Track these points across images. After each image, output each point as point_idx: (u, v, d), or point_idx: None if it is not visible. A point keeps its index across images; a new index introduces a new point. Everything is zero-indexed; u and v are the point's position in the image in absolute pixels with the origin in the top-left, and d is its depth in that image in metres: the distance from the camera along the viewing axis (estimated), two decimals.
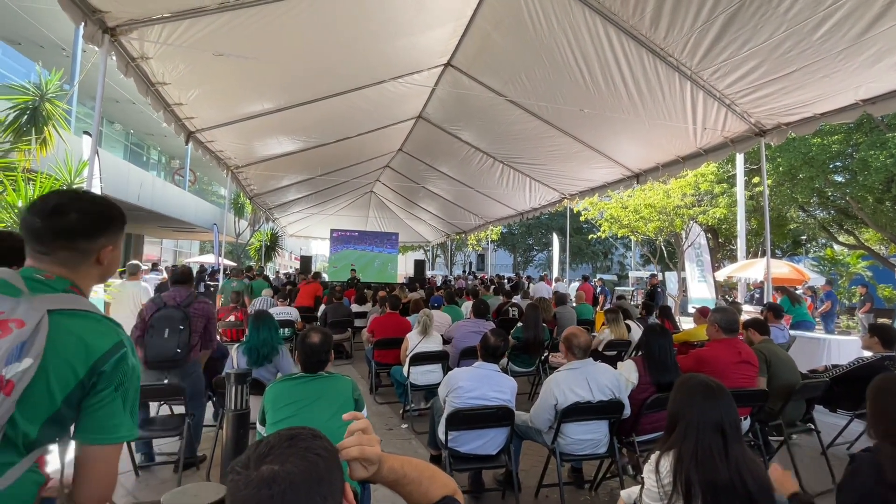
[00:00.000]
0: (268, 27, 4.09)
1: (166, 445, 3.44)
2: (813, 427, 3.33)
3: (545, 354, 4.91)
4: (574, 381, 2.64)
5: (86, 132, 5.45)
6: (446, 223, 15.71)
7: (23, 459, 0.92)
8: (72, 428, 1.00)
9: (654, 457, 1.56)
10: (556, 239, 16.31)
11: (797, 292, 8.44)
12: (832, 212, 14.57)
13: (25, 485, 0.92)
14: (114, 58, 3.81)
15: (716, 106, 5.00)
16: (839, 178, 13.06)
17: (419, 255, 25.11)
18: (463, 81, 6.26)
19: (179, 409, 3.61)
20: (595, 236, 16.30)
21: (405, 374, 4.21)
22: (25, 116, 5.02)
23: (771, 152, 11.54)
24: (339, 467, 0.67)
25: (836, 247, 17.24)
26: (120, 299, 4.78)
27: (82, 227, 1.06)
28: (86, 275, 1.10)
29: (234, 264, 13.89)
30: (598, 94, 5.34)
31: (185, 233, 21.54)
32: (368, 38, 4.99)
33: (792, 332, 5.73)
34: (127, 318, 4.88)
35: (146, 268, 10.31)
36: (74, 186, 4.24)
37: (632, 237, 16.26)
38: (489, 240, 18.18)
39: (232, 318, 5.85)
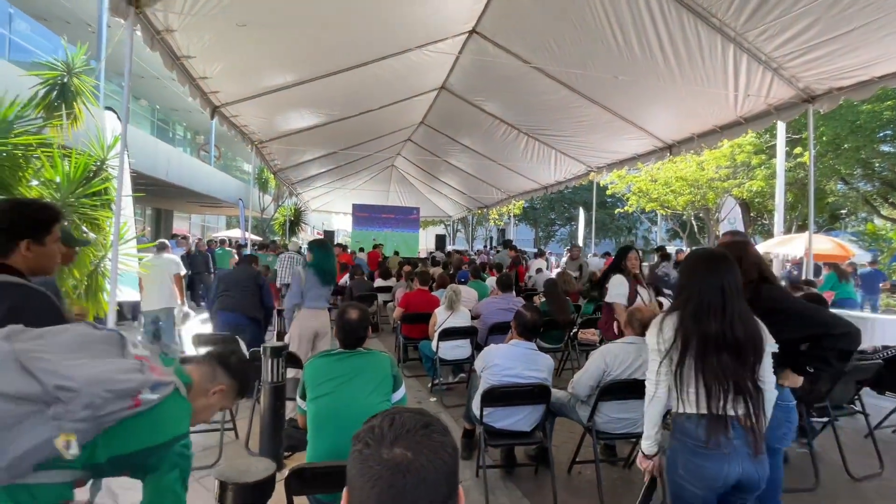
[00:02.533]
0: None
1: None
2: (860, 409, 3.21)
3: (574, 330, 4.85)
4: (628, 354, 2.63)
5: (108, 108, 5.49)
6: (468, 197, 15.55)
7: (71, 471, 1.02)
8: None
9: (657, 319, 1.71)
10: (582, 213, 15.99)
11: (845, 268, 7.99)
12: (877, 184, 13.77)
13: (52, 490, 1.01)
14: (139, 32, 3.78)
15: (760, 70, 4.67)
16: (887, 149, 12.27)
17: (440, 229, 25.06)
18: (488, 49, 6.03)
19: None
20: (621, 210, 15.90)
21: (434, 348, 4.22)
22: (55, 92, 5.07)
23: (815, 121, 10.88)
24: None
25: (877, 221, 16.40)
26: (153, 273, 4.96)
27: (230, 366, 1.42)
28: (205, 405, 1.35)
29: (260, 239, 14.13)
30: (632, 60, 5.05)
31: (212, 208, 21.99)
32: (392, 4, 4.82)
33: (834, 311, 5.50)
34: (160, 292, 5.00)
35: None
36: (107, 162, 4.30)
37: (660, 211, 15.80)
38: (511, 214, 17.94)
39: None
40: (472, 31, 5.89)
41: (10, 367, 0.92)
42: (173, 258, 5.34)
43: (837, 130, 11.03)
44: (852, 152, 11.40)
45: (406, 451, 0.59)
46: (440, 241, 17.77)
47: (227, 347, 1.43)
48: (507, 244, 10.66)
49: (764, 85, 4.89)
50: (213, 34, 4.31)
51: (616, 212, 17.73)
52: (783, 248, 8.81)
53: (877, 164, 12.41)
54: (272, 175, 11.74)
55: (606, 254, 13.82)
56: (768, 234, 14.03)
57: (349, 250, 13.13)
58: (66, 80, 4.84)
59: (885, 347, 3.45)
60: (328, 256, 4.07)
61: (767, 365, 1.61)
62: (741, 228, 11.63)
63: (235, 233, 18.68)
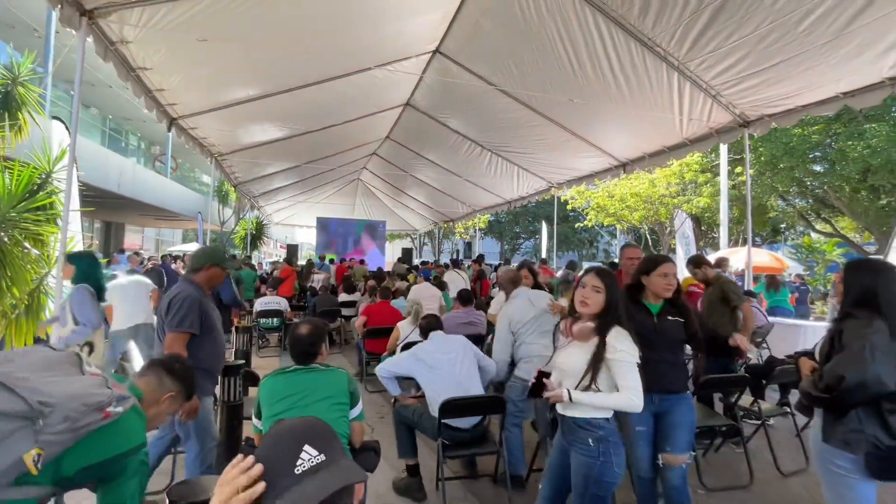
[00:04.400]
0: (252, 11, 3.98)
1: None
2: (789, 410, 3.48)
3: None
4: (523, 306, 3.04)
5: (56, 118, 5.23)
6: (434, 211, 15.68)
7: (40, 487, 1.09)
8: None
9: (621, 333, 1.83)
10: (544, 227, 16.45)
11: (781, 279, 8.63)
12: (810, 201, 14.94)
13: None
14: (91, 41, 3.68)
15: (702, 97, 5.04)
16: (818, 168, 13.38)
17: (406, 243, 25.04)
18: (451, 69, 6.20)
19: None
20: (582, 224, 16.45)
21: None
22: None
23: (753, 142, 11.75)
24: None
25: (813, 235, 17.71)
26: (126, 292, 4.30)
27: (175, 371, 1.53)
28: (151, 402, 1.42)
29: None
30: (587, 84, 5.34)
31: (168, 221, 21.11)
32: (356, 23, 4.91)
33: (770, 319, 5.93)
34: (133, 309, 4.33)
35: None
36: (53, 175, 4.11)
37: (617, 225, 16.47)
38: (477, 228, 18.21)
39: None
40: (436, 51, 6.05)
41: None
42: (146, 280, 4.77)
43: (774, 151, 11.95)
44: (787, 171, 12.36)
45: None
46: (407, 254, 17.75)
47: (170, 357, 1.56)
48: (479, 259, 10.80)
49: (705, 110, 5.27)
50: (171, 47, 4.25)
51: (577, 226, 18.36)
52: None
53: (809, 183, 13.48)
54: (233, 188, 11.46)
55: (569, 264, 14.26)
56: (718, 246, 14.87)
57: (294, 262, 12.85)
58: (10, 89, 4.62)
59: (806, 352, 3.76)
60: (97, 267, 3.39)
61: None
62: (693, 242, 12.30)
63: (193, 247, 17.99)
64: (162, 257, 12.77)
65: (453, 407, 2.55)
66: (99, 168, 11.93)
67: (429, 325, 3.12)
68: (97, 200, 12.15)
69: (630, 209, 13.78)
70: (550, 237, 16.49)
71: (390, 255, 21.05)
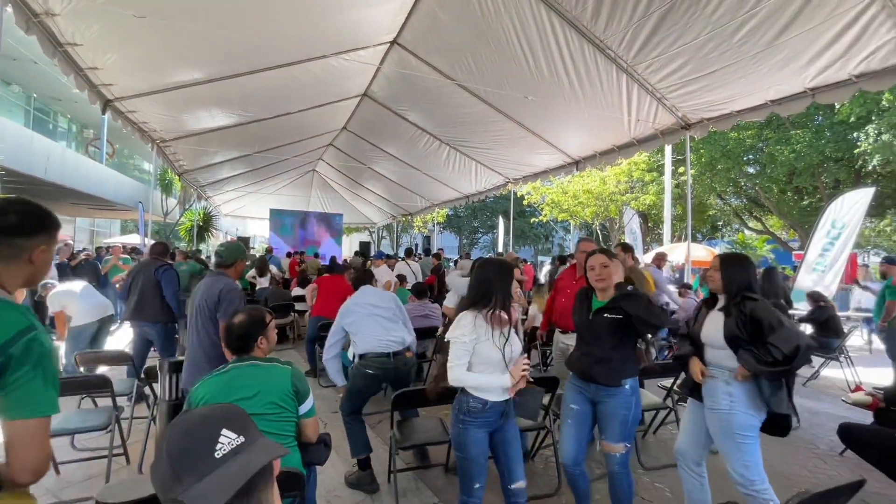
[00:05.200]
0: None
1: (90, 440, 3.21)
2: None
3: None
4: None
5: None
6: (392, 205, 15.52)
7: None
8: None
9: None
10: (501, 222, 16.73)
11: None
12: (744, 200, 16.11)
13: None
14: (10, 9, 3.35)
15: (648, 99, 5.28)
16: (751, 170, 14.45)
17: (364, 236, 24.70)
18: (409, 61, 6.15)
19: (103, 403, 3.38)
20: (537, 220, 16.87)
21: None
22: None
23: (695, 144, 12.50)
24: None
25: (746, 232, 19.13)
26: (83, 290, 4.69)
27: (20, 226, 1.18)
28: (15, 272, 1.20)
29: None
30: (542, 82, 5.46)
31: (103, 210, 19.64)
32: (311, 9, 4.75)
33: None
34: (93, 302, 4.67)
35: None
36: None
37: (571, 221, 17.03)
38: (435, 222, 18.24)
39: None
40: (394, 42, 5.97)
41: None
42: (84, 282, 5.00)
43: (713, 153, 12.78)
44: (724, 172, 13.26)
45: None
46: (365, 247, 17.53)
47: None
48: (428, 252, 10.83)
49: (651, 111, 5.53)
50: (105, 22, 3.94)
51: (532, 221, 18.84)
52: (669, 256, 9.99)
53: (743, 183, 14.53)
54: (177, 177, 10.82)
55: (524, 261, 14.64)
56: (662, 241, 15.72)
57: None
58: None
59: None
60: None
61: None
62: (640, 237, 12.94)
63: (133, 238, 16.88)
64: (96, 249, 11.90)
65: (407, 398, 2.56)
66: (22, 151, 10.92)
67: (357, 279, 3.24)
68: (20, 187, 11.14)
69: (582, 205, 14.31)
70: (507, 232, 16.80)
71: (347, 248, 20.68)
